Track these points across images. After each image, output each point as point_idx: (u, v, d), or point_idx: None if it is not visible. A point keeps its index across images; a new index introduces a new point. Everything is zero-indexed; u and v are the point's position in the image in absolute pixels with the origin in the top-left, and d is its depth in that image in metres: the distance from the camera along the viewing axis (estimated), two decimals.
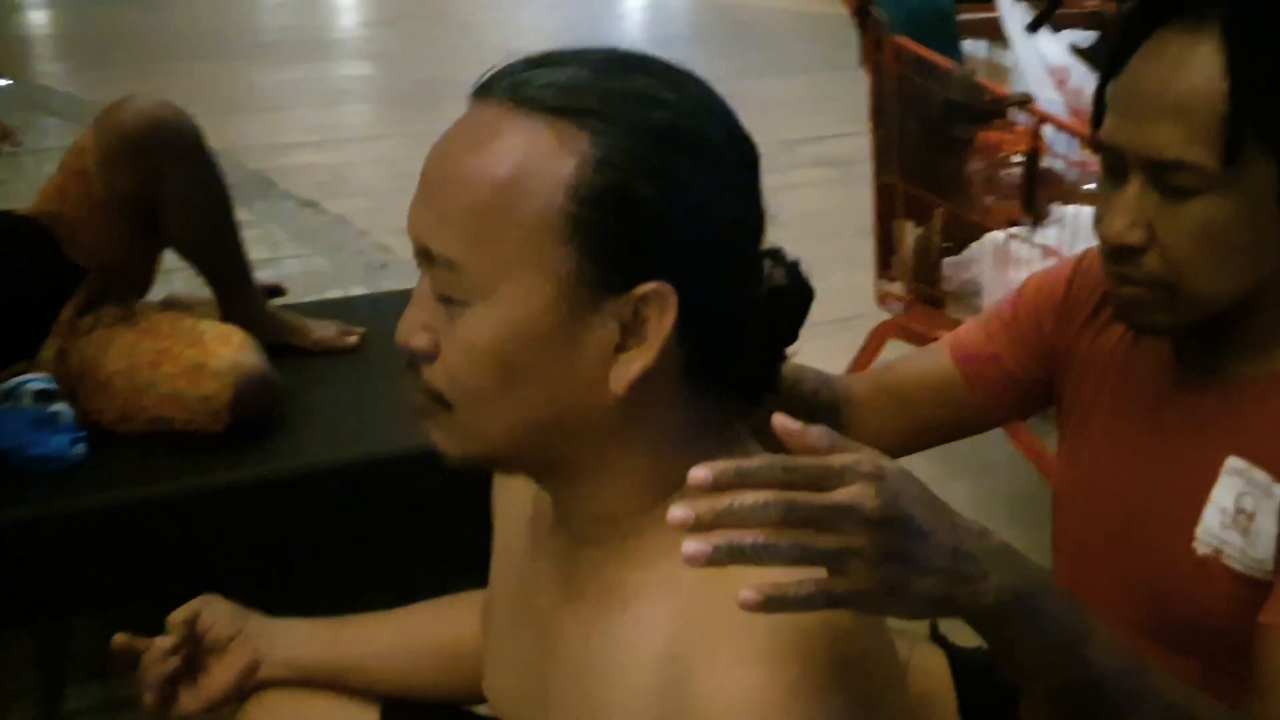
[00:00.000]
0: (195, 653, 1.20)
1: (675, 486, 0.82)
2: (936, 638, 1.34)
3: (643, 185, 0.75)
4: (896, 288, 2.67)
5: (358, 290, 3.46)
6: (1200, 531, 0.99)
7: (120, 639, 1.20)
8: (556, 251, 0.76)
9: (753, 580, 0.75)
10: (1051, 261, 2.24)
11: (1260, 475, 0.96)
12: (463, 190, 0.77)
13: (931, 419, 1.23)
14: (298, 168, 4.75)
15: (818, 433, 0.71)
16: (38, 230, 2.06)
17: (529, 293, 0.76)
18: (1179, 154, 0.91)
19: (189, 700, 1.19)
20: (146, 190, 2.04)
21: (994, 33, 2.65)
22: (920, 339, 2.32)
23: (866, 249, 2.77)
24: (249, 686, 1.20)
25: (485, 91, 0.80)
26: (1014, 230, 2.30)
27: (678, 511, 0.67)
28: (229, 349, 2.02)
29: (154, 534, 1.91)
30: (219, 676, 1.20)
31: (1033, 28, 2.53)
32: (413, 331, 0.80)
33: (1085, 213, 2.32)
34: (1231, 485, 0.98)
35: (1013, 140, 2.55)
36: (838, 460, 0.70)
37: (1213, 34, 0.91)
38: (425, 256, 0.79)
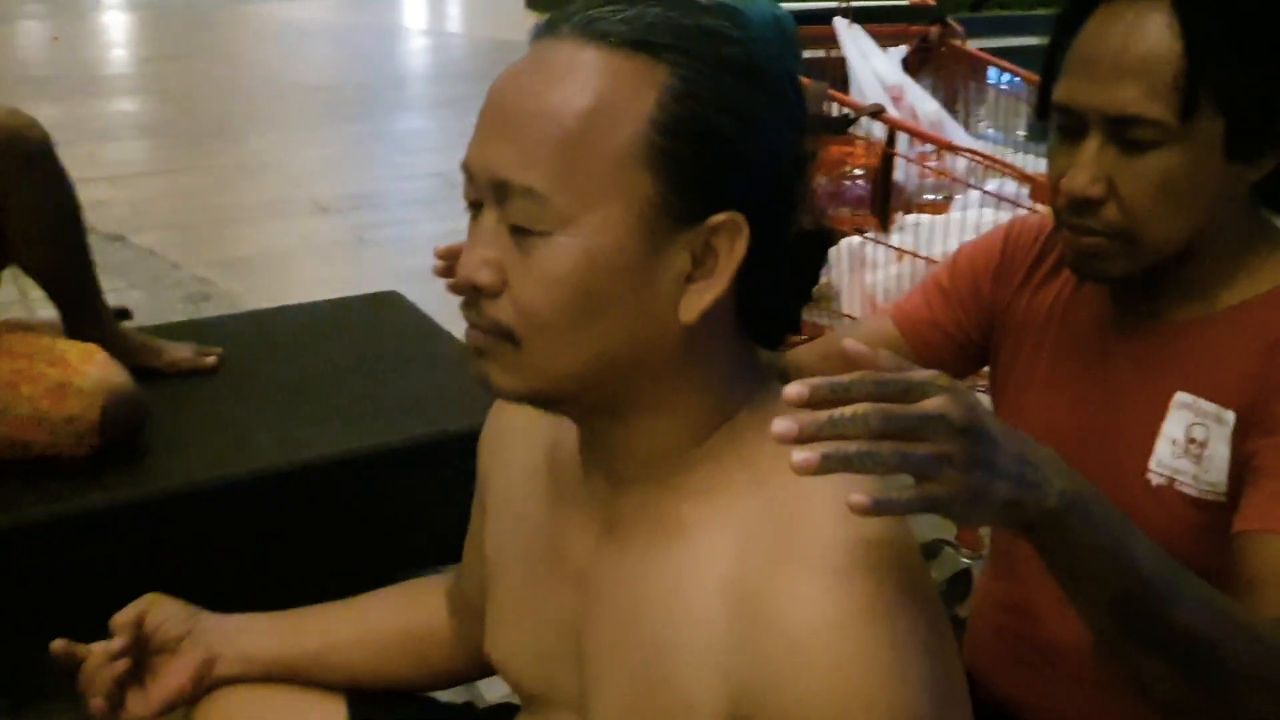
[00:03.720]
0: (143, 655, 1.14)
1: (725, 420, 0.84)
2: None
3: (721, 117, 0.77)
4: None
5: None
6: (1153, 463, 1.07)
7: (59, 644, 1.12)
8: (639, 181, 0.77)
9: (816, 502, 0.78)
10: (906, 263, 2.37)
11: (1209, 406, 1.04)
12: (547, 122, 0.77)
13: None
14: (96, 203, 4.49)
15: (886, 355, 0.74)
16: None
17: (611, 221, 0.77)
18: (1139, 110, 0.99)
19: (138, 706, 1.13)
20: None
21: (832, 43, 2.77)
22: None
23: None
24: (203, 686, 1.15)
25: (552, 30, 0.81)
26: (868, 235, 2.41)
27: (781, 424, 0.69)
28: (94, 366, 1.92)
29: (16, 564, 1.79)
30: (170, 678, 1.14)
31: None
32: (478, 267, 0.79)
33: (926, 220, 2.46)
34: (1181, 418, 1.06)
35: (854, 154, 2.68)
36: (918, 375, 0.73)
37: (1163, 2, 0.99)
38: (498, 190, 0.78)
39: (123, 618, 1.13)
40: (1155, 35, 0.99)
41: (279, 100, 6.78)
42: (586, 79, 0.77)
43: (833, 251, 2.52)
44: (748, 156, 0.79)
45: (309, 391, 2.22)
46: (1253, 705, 0.89)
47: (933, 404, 0.71)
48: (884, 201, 2.42)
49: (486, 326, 0.80)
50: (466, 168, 0.81)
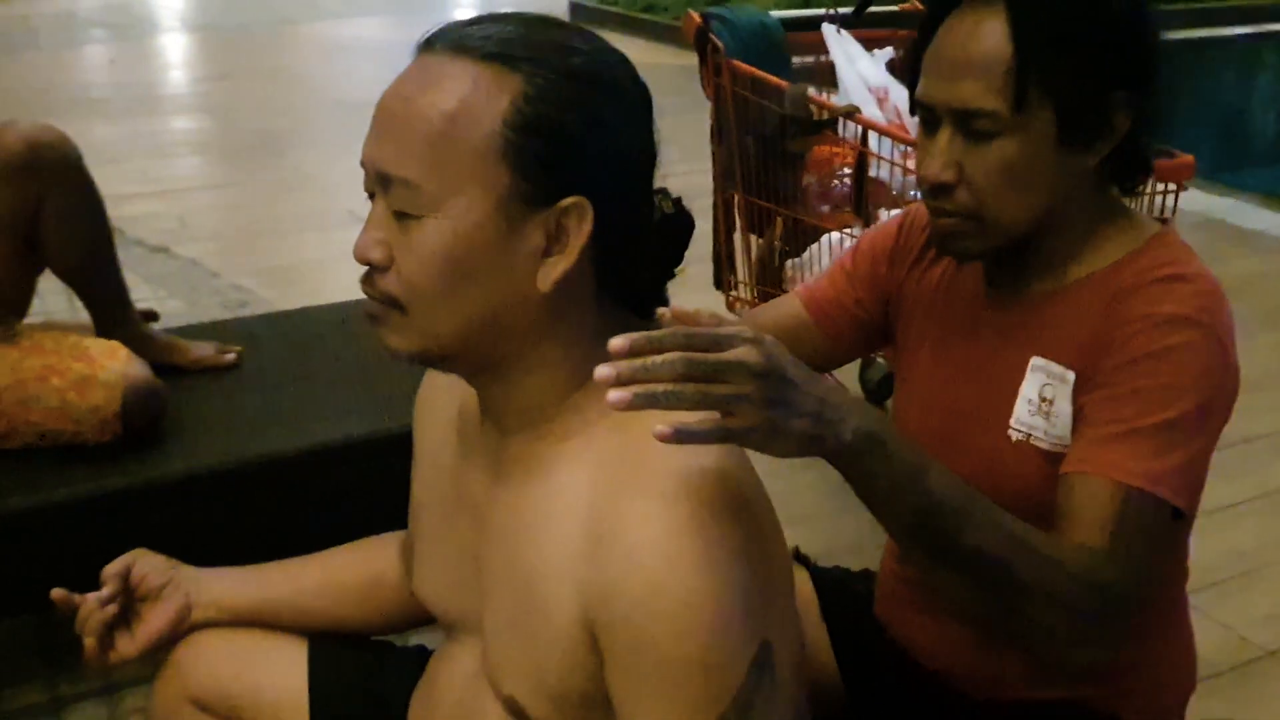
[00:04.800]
0: (130, 602, 1.30)
1: (587, 379, 0.98)
2: (800, 558, 1.51)
3: (565, 116, 0.92)
4: (743, 292, 2.88)
5: None
6: (1014, 421, 1.20)
7: (58, 593, 1.28)
8: (495, 171, 0.91)
9: (658, 443, 0.91)
10: None
11: (1057, 368, 1.17)
12: (418, 122, 0.92)
13: None
14: (143, 216, 4.74)
15: (706, 313, 0.88)
16: None
17: (472, 205, 0.92)
18: (979, 103, 1.12)
19: (126, 645, 1.29)
20: (27, 211, 2.10)
21: (822, 49, 2.89)
22: None
23: (707, 273, 2.96)
24: (182, 629, 1.30)
25: (429, 46, 0.96)
26: (848, 230, 2.53)
27: (604, 370, 0.83)
28: (116, 361, 2.09)
29: (46, 541, 1.97)
30: (153, 621, 1.29)
31: (855, 18, 2.79)
32: (370, 246, 0.94)
33: None
34: (1035, 379, 1.19)
35: (843, 154, 2.80)
36: (725, 329, 0.87)
37: (999, 9, 1.12)
38: (383, 181, 0.93)
39: (111, 569, 1.29)
40: (991, 38, 1.11)
41: (322, 116, 6.99)
42: (452, 86, 0.92)
43: (814, 246, 2.66)
44: (592, 150, 0.93)
45: (320, 385, 2.38)
46: (1044, 618, 1.01)
47: (733, 353, 0.85)
48: (860, 193, 2.53)
49: (379, 296, 0.95)
50: (361, 163, 0.96)
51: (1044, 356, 1.18)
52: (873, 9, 3.03)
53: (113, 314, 2.31)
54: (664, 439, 0.83)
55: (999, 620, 1.04)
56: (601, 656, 0.91)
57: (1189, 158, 2.21)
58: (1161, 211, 2.23)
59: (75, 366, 2.07)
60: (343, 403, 2.30)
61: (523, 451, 1.00)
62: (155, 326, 2.47)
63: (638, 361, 0.83)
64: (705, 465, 0.90)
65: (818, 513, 2.53)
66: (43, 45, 9.38)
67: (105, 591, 1.27)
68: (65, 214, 2.15)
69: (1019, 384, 1.20)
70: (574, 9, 10.68)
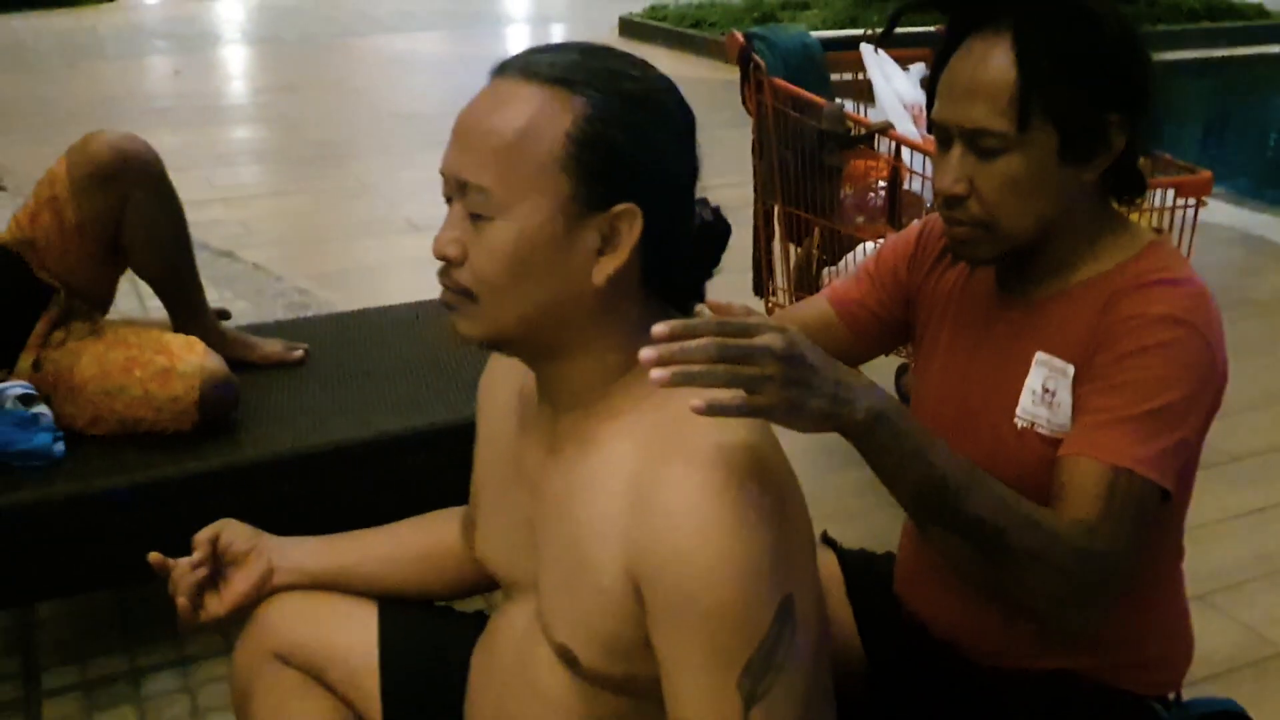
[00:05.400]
0: (217, 566, 1.44)
1: (633, 364, 1.11)
2: (827, 541, 1.64)
3: (619, 133, 1.06)
4: (781, 298, 3.00)
5: None
6: (1019, 410, 1.32)
7: (154, 556, 1.42)
8: (557, 180, 1.05)
9: (694, 418, 1.04)
10: None
11: (1058, 362, 1.29)
12: (492, 136, 1.06)
13: None
14: (209, 222, 4.93)
15: (738, 305, 1.01)
16: (9, 255, 2.26)
17: (537, 209, 1.06)
18: (987, 123, 1.24)
19: (215, 605, 1.43)
20: (113, 215, 2.27)
21: (860, 67, 3.02)
22: None
23: (747, 280, 3.09)
24: (264, 592, 1.44)
25: (502, 71, 1.10)
26: (882, 240, 2.65)
27: (648, 352, 0.96)
28: (194, 355, 2.24)
29: (130, 519, 2.12)
30: (239, 584, 1.44)
31: (884, 39, 2.90)
32: (447, 244, 1.08)
33: None
34: (1039, 373, 1.31)
35: (878, 168, 2.92)
36: (756, 319, 1.00)
37: (1005, 39, 1.25)
38: (459, 187, 1.07)
39: (202, 535, 1.44)
40: (997, 65, 1.24)
41: (380, 128, 7.18)
42: (521, 106, 1.06)
43: (850, 255, 2.78)
44: (642, 163, 1.07)
45: (382, 380, 2.53)
46: (1039, 581, 1.13)
47: (760, 339, 0.98)
48: (894, 204, 2.65)
49: (454, 287, 1.09)
50: (441, 172, 1.10)
51: (1047, 352, 1.30)
52: (908, 29, 3.14)
53: (189, 311, 2.48)
54: (699, 411, 0.96)
55: (998, 583, 1.16)
56: (643, 606, 1.04)
57: (1207, 173, 2.31)
58: (1182, 226, 2.34)
59: (157, 359, 2.23)
60: (402, 396, 2.45)
61: (575, 428, 1.13)
62: (226, 324, 2.63)
63: (676, 345, 0.97)
64: (736, 440, 1.03)
65: (849, 510, 2.65)
66: (109, 55, 9.69)
67: (196, 556, 1.42)
68: (149, 218, 2.32)
69: (1024, 377, 1.32)
70: (623, 25, 10.84)
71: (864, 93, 3.04)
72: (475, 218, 1.07)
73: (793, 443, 1.11)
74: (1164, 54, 8.72)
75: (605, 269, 1.08)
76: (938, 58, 1.31)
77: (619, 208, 1.07)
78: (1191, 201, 2.33)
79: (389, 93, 8.39)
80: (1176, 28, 9.87)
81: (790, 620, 1.03)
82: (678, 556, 1.00)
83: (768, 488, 1.03)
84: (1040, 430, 1.30)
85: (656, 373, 0.96)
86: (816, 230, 2.89)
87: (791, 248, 3.06)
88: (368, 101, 8.03)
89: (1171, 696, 1.44)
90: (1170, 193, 2.37)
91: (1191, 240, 2.37)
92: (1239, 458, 3.15)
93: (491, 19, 12.62)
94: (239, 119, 7.61)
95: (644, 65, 1.11)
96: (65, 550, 2.11)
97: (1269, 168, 7.42)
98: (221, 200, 5.39)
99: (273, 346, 2.61)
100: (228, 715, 2.14)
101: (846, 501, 2.72)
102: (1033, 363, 1.31)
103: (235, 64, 10.06)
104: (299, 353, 2.61)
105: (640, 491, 1.04)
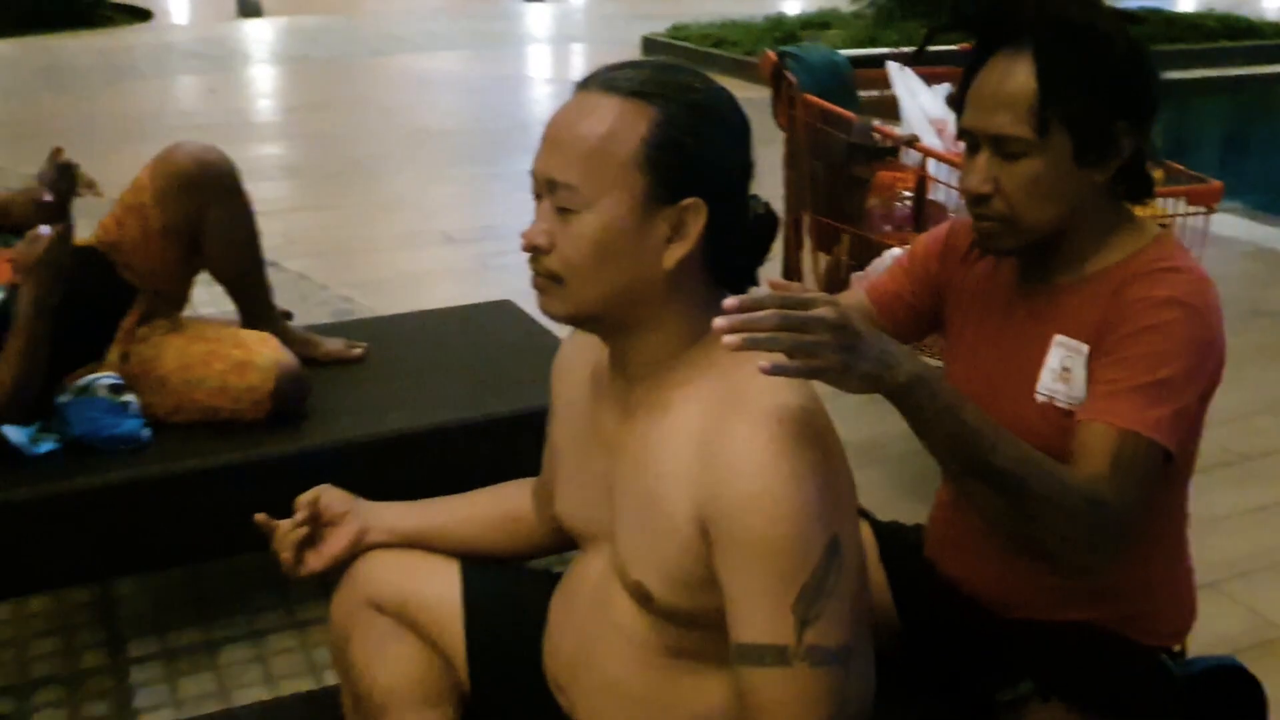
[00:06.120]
0: (316, 526, 1.60)
1: (699, 337, 1.27)
2: (861, 512, 1.79)
3: (687, 138, 1.22)
4: None
5: None
6: (1039, 387, 1.47)
7: (260, 517, 1.58)
8: (634, 177, 1.22)
9: (754, 383, 1.21)
10: None
11: (1074, 343, 1.45)
12: (579, 141, 1.22)
13: None
14: None
15: (797, 285, 1.17)
16: (98, 257, 2.44)
17: (617, 203, 1.22)
18: (1010, 130, 1.40)
19: (314, 560, 1.59)
20: (193, 221, 2.45)
21: (887, 84, 3.18)
22: None
23: None
24: (359, 549, 1.60)
25: (585, 85, 1.27)
26: (909, 248, 2.81)
27: (720, 321, 1.12)
28: (269, 349, 2.42)
29: (209, 500, 2.29)
30: (336, 542, 1.60)
31: (916, 58, 3.06)
32: (538, 234, 1.25)
33: None
34: (1058, 353, 1.46)
35: (904, 179, 3.08)
36: (812, 294, 1.16)
37: (1026, 56, 1.41)
38: (549, 185, 1.24)
39: (303, 498, 1.60)
40: (1019, 79, 1.40)
41: (412, 144, 7.37)
42: (603, 114, 1.23)
43: (877, 261, 2.94)
44: (706, 163, 1.23)
45: (436, 376, 2.70)
46: (1054, 525, 1.28)
47: (816, 310, 1.14)
48: (920, 212, 2.82)
49: (544, 273, 1.26)
50: (532, 173, 1.26)
51: (1064, 334, 1.46)
52: (934, 48, 3.31)
53: (259, 310, 2.66)
54: (765, 371, 1.13)
55: (1017, 527, 1.31)
56: (710, 544, 1.20)
57: (1218, 183, 2.47)
58: (1193, 234, 2.49)
59: (234, 353, 2.40)
60: (456, 391, 2.62)
61: (647, 395, 1.30)
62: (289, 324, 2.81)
63: (744, 315, 1.13)
64: (790, 402, 1.20)
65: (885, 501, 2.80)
66: (146, 74, 9.92)
67: (298, 516, 1.58)
68: (225, 223, 2.50)
69: (1044, 356, 1.47)
70: (646, 44, 11.04)
71: (890, 108, 3.21)
72: (562, 211, 1.24)
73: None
74: (1183, 73, 9.00)
75: (674, 254, 1.24)
76: (966, 72, 1.47)
77: (686, 201, 1.23)
78: (1202, 209, 2.48)
79: (417, 110, 8.59)
80: (1196, 47, 10.04)
81: (838, 555, 1.19)
82: (741, 500, 1.16)
83: (816, 444, 1.19)
84: (1059, 404, 1.46)
85: (728, 338, 1.12)
86: (845, 238, 3.05)
87: (821, 255, 3.22)
88: (397, 119, 8.23)
89: (1177, 649, 1.59)
90: (1181, 201, 2.53)
91: (1202, 247, 2.52)
92: (1250, 457, 3.32)
93: (515, 39, 12.84)
94: (272, 135, 7.81)
95: (706, 78, 1.28)
96: (149, 528, 2.28)
97: None
98: (261, 213, 5.39)
99: (334, 344, 2.78)
100: (298, 682, 2.33)
101: (884, 497, 2.87)
102: (1051, 344, 1.47)
103: (266, 82, 10.28)
104: (359, 350, 2.78)
105: (708, 446, 1.20)
